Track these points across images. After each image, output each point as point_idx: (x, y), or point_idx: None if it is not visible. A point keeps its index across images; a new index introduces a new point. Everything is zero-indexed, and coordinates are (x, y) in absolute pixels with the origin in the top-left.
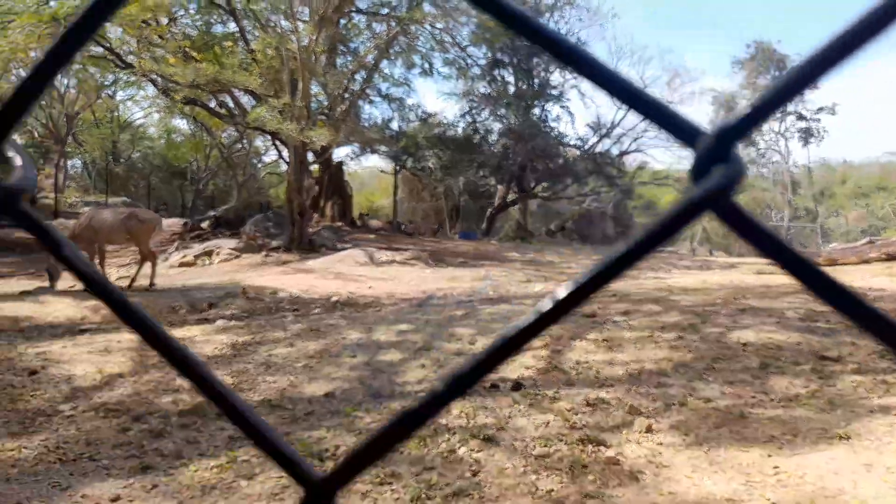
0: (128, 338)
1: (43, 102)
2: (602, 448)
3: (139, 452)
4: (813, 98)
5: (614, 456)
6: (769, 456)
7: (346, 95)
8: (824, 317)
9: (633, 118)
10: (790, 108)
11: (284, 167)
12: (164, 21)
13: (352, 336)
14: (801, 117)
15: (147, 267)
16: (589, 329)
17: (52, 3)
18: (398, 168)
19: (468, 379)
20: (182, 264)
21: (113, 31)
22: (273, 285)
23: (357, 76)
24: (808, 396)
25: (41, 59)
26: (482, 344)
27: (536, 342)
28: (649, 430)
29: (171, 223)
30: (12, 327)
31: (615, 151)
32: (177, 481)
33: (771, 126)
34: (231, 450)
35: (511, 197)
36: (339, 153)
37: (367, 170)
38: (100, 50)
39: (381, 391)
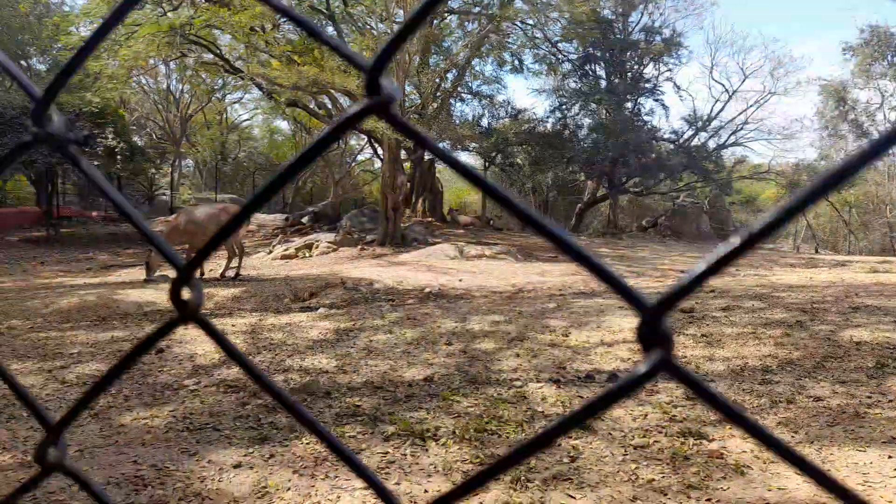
0: (241, 322)
1: (160, 106)
2: (704, 441)
3: (256, 425)
4: None
5: (717, 449)
6: (889, 457)
7: (438, 94)
8: None
9: (731, 110)
10: None
11: (378, 165)
12: (269, 27)
13: (447, 325)
14: None
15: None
16: (686, 324)
17: (169, 15)
18: (487, 164)
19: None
20: (284, 257)
21: (223, 38)
22: (369, 277)
23: (449, 75)
24: None
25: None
26: (575, 337)
27: (631, 334)
28: None
29: (274, 218)
30: (138, 311)
31: (712, 145)
32: (291, 452)
33: (886, 116)
34: (339, 426)
35: (601, 192)
36: None
37: None
38: (211, 56)
39: (477, 378)
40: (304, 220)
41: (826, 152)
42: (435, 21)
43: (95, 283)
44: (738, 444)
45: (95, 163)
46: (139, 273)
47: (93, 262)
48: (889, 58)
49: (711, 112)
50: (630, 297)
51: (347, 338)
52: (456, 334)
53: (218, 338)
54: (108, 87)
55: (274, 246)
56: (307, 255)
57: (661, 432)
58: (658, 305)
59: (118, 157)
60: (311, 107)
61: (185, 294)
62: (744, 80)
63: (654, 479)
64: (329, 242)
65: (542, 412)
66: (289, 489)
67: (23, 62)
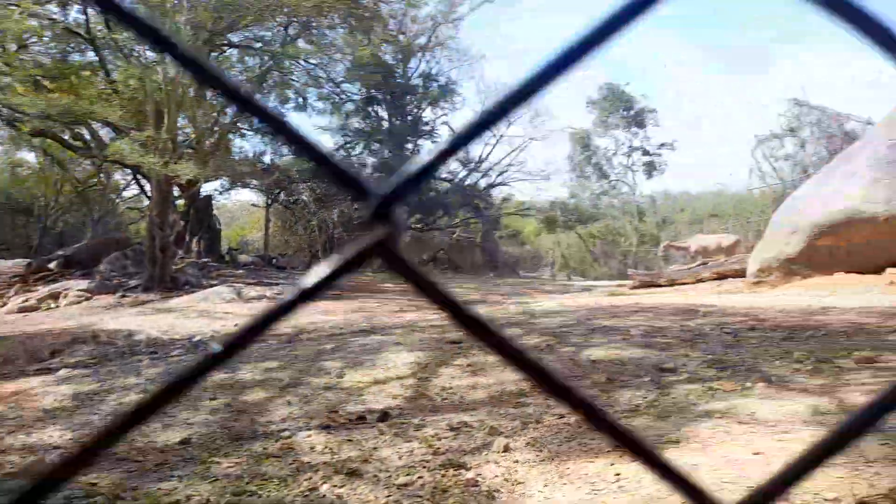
0: None
1: None
2: (463, 471)
3: None
4: (655, 135)
5: (473, 477)
6: (612, 465)
7: (216, 129)
8: (661, 333)
9: (499, 153)
10: (636, 143)
11: (147, 202)
12: (13, 48)
13: (213, 377)
14: (645, 153)
15: None
16: (455, 355)
17: None
18: (270, 202)
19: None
20: (22, 309)
21: None
22: (128, 327)
23: (228, 109)
24: (647, 406)
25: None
26: (350, 377)
27: (405, 370)
28: (506, 449)
29: (12, 265)
30: None
31: (483, 184)
32: None
33: (620, 160)
34: None
35: None
36: (208, 187)
37: (238, 203)
38: None
39: (242, 433)
40: (52, 265)
41: (575, 192)
42: (213, 54)
43: None
44: (491, 470)
45: None
46: None
47: None
48: (620, 111)
49: (482, 154)
50: (358, 187)
51: (91, 402)
52: (222, 387)
53: None
54: None
55: (9, 297)
56: (52, 305)
57: (424, 467)
58: None
59: None
60: (66, 137)
61: None
62: (509, 126)
63: None
64: (81, 290)
65: (309, 462)
66: None
67: None
